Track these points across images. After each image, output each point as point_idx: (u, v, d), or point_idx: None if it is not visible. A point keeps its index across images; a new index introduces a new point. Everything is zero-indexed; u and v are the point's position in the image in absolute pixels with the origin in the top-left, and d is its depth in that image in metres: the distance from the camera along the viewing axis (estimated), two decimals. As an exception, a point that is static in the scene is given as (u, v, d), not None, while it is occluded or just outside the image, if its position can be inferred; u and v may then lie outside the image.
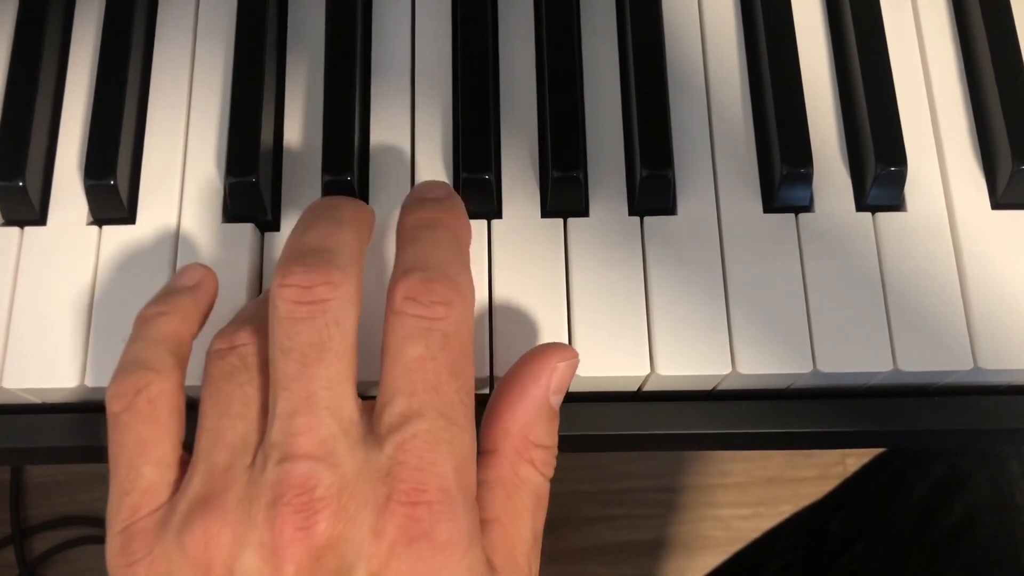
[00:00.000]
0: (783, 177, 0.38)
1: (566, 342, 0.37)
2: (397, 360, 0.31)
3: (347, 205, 0.34)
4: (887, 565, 0.60)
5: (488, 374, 0.37)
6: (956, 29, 0.42)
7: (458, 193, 0.36)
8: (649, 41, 0.40)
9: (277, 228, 0.39)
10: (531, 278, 0.38)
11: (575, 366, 0.34)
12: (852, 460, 1.10)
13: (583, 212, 0.39)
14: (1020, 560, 0.54)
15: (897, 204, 0.39)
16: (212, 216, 0.39)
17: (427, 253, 0.32)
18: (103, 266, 0.38)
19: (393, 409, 0.30)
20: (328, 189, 0.38)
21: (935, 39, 0.42)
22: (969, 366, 0.37)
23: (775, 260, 0.38)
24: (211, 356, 0.32)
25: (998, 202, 0.39)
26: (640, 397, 0.39)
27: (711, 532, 1.10)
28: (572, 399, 0.37)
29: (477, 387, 0.34)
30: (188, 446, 0.32)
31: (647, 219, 0.39)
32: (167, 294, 0.35)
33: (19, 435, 0.38)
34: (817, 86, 0.41)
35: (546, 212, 0.39)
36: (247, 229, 0.38)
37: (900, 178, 0.38)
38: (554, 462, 0.34)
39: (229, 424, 0.31)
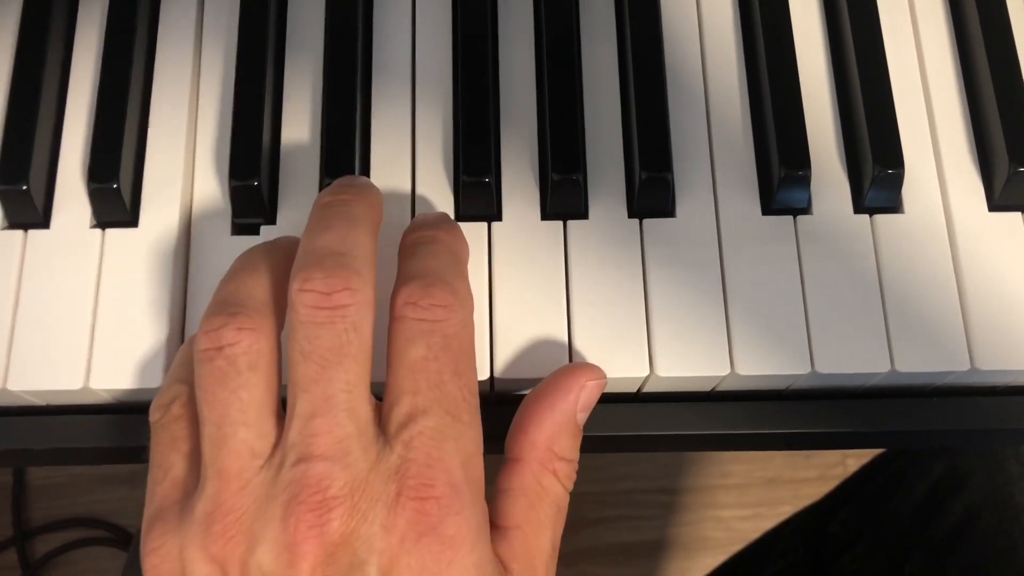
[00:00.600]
0: (781, 179, 0.38)
1: (566, 344, 0.37)
2: (401, 362, 0.32)
3: (359, 200, 0.35)
4: (887, 565, 0.61)
5: (488, 376, 0.37)
6: (953, 32, 0.42)
7: (458, 196, 0.37)
8: (648, 44, 0.40)
9: (274, 222, 0.39)
10: (531, 280, 0.38)
11: (603, 387, 0.35)
12: (852, 461, 1.10)
13: (583, 214, 0.39)
14: (1020, 560, 0.54)
15: (894, 206, 0.39)
16: (215, 219, 0.39)
17: (425, 263, 0.33)
18: (106, 269, 0.38)
19: (400, 409, 0.31)
20: (329, 192, 0.38)
21: (932, 42, 0.42)
22: (966, 367, 0.37)
23: (773, 262, 0.38)
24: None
25: (995, 204, 0.39)
26: (640, 398, 0.39)
27: (711, 533, 1.10)
28: (572, 400, 0.37)
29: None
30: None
31: (646, 221, 0.39)
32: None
33: (22, 437, 0.38)
34: (815, 89, 0.41)
35: (546, 214, 0.39)
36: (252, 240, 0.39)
37: (897, 180, 0.39)
38: (575, 476, 0.35)
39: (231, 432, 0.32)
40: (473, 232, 0.38)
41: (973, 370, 0.37)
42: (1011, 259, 0.38)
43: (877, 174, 0.38)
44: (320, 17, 0.42)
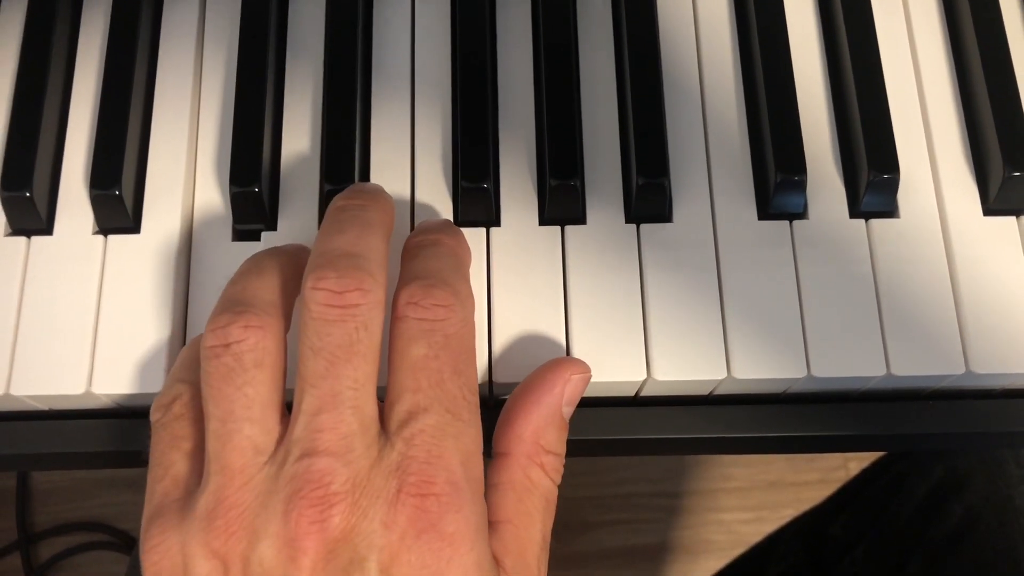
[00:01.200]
0: (778, 184, 0.39)
1: (564, 348, 0.37)
2: (402, 361, 0.32)
3: (372, 206, 0.35)
4: (887, 568, 0.61)
5: (487, 379, 0.37)
6: (948, 37, 0.42)
7: (457, 201, 0.37)
8: (645, 50, 0.41)
9: (275, 228, 0.40)
10: (529, 285, 0.38)
11: (588, 380, 0.36)
12: (854, 464, 1.10)
13: (580, 220, 0.39)
14: (1019, 562, 0.54)
15: (890, 211, 0.40)
16: (216, 225, 0.40)
17: (428, 265, 0.34)
18: (108, 275, 0.39)
19: (401, 407, 0.32)
20: (328, 199, 0.38)
21: (927, 47, 0.42)
22: (961, 370, 0.37)
23: (770, 266, 0.38)
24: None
25: (990, 208, 0.40)
26: (638, 402, 0.39)
27: (713, 536, 1.10)
28: (570, 404, 0.37)
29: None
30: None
31: (643, 226, 0.39)
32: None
33: (26, 441, 0.39)
34: (811, 94, 0.41)
35: (544, 220, 0.39)
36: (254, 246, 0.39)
37: (893, 185, 0.39)
38: (562, 469, 0.35)
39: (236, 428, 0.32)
40: (472, 238, 0.38)
41: (969, 373, 0.37)
42: (1006, 263, 0.39)
43: (873, 179, 0.39)
44: (320, 24, 0.42)
